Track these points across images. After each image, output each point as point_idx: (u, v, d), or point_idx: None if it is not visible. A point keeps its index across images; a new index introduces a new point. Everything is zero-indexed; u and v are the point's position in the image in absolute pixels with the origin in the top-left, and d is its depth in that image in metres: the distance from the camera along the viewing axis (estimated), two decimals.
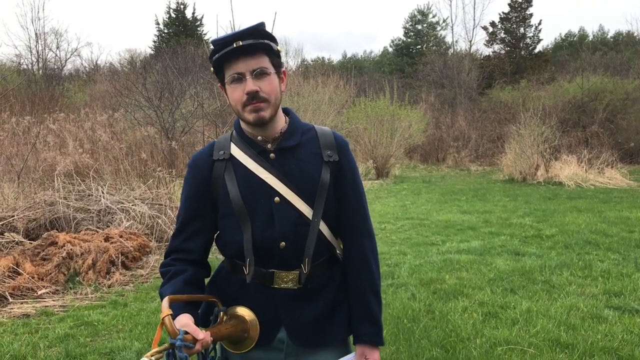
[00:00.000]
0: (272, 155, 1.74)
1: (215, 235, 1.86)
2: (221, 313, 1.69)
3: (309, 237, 1.73)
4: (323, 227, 1.77)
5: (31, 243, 6.32)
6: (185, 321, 1.51)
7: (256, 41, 1.64)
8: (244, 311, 1.71)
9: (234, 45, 1.62)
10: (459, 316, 4.67)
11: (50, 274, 5.62)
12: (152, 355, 1.31)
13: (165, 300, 1.48)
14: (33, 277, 5.47)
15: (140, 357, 3.94)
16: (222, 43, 1.64)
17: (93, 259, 5.86)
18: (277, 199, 1.71)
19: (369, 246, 1.85)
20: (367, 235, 1.86)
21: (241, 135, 1.78)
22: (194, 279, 1.74)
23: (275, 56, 1.71)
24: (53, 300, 5.23)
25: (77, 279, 5.68)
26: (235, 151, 1.77)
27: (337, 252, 1.85)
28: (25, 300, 5.18)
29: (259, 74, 1.65)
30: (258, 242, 1.72)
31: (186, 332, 1.43)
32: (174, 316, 1.47)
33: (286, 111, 1.84)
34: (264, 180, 1.72)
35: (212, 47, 1.68)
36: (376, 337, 1.80)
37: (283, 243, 1.71)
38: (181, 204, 1.83)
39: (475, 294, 5.26)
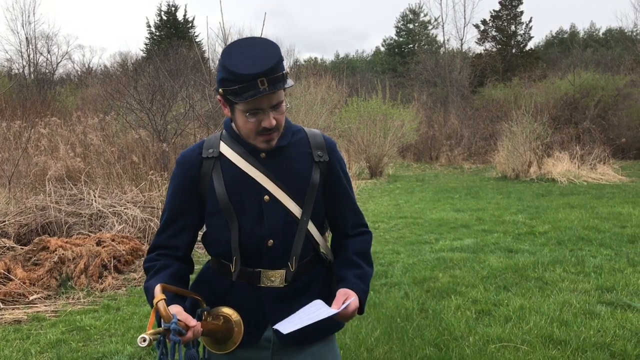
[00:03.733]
0: (262, 154, 1.75)
1: (202, 233, 1.87)
2: (205, 313, 1.69)
3: (297, 235, 1.75)
4: (310, 226, 1.79)
5: (22, 248, 6.28)
6: (177, 309, 1.52)
7: (280, 84, 1.60)
8: (229, 310, 1.71)
9: (260, 87, 1.57)
10: (452, 314, 4.67)
11: (42, 279, 5.59)
12: (150, 335, 1.32)
13: (158, 286, 1.48)
14: (24, 283, 5.44)
15: (132, 359, 3.93)
16: (243, 78, 1.57)
17: (85, 264, 5.83)
18: (266, 197, 1.73)
19: (367, 238, 1.92)
20: (364, 227, 1.93)
21: (232, 134, 1.79)
22: (180, 274, 1.75)
23: (288, 81, 1.67)
24: (45, 306, 5.20)
25: (69, 283, 5.65)
26: (225, 149, 1.78)
27: (321, 250, 1.88)
28: (17, 306, 5.14)
29: (276, 108, 1.66)
30: (246, 239, 1.73)
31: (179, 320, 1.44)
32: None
33: None
34: (253, 179, 1.73)
35: (227, 71, 1.59)
36: (363, 293, 1.77)
37: (271, 241, 1.73)
38: (167, 200, 1.83)
39: (469, 292, 5.26)
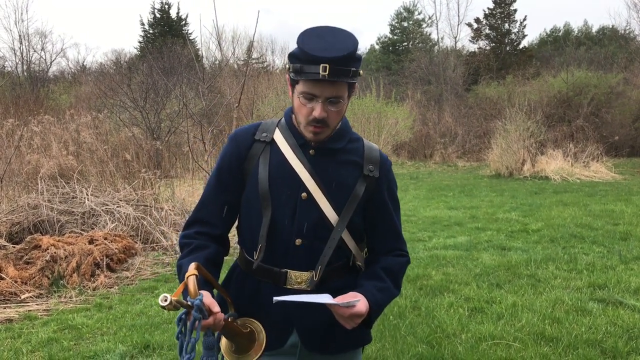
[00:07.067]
0: (312, 151, 1.72)
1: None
2: (230, 318, 1.61)
3: (328, 244, 1.70)
4: (346, 236, 1.74)
5: (14, 247, 6.24)
6: (205, 293, 1.47)
7: (341, 79, 1.57)
8: (258, 326, 1.65)
9: (320, 72, 1.53)
10: (444, 312, 4.68)
11: (34, 277, 5.56)
12: (173, 299, 1.28)
13: (194, 264, 1.44)
14: (16, 282, 5.41)
15: (124, 358, 3.92)
16: (307, 59, 1.56)
17: (77, 262, 5.80)
18: (304, 194, 1.69)
19: (402, 260, 1.84)
20: (402, 251, 1.85)
21: (289, 124, 1.76)
22: (215, 257, 1.71)
23: (355, 80, 1.64)
24: (37, 305, 5.17)
25: (61, 282, 5.62)
26: (278, 137, 1.75)
27: (357, 262, 1.81)
28: (8, 304, 5.11)
29: (332, 102, 1.62)
30: (275, 232, 1.69)
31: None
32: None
33: None
34: (296, 173, 1.69)
35: (297, 48, 1.60)
36: (376, 305, 1.68)
37: (299, 240, 1.69)
38: (212, 175, 1.81)
39: (461, 290, 5.27)
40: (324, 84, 1.58)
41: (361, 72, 1.65)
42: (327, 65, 1.53)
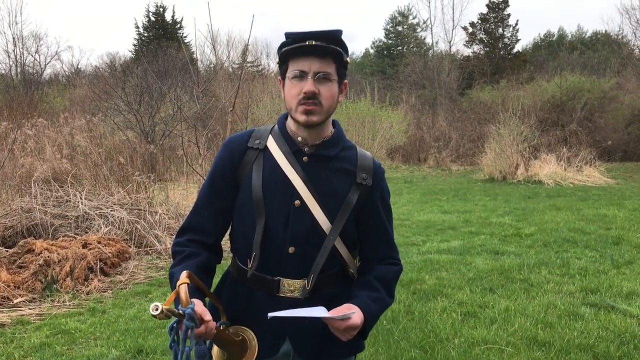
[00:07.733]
0: (305, 158, 1.72)
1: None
2: (222, 326, 1.61)
3: (321, 252, 1.70)
4: (339, 244, 1.74)
5: (7, 251, 6.22)
6: (196, 301, 1.47)
7: (328, 45, 1.62)
8: (250, 334, 1.65)
9: (306, 43, 1.61)
10: (438, 316, 4.69)
11: (27, 282, 5.54)
12: (164, 308, 1.28)
13: (185, 272, 1.45)
14: (9, 286, 5.38)
15: None
16: (294, 38, 1.63)
17: (71, 266, 5.78)
18: (297, 202, 1.69)
19: (395, 269, 1.85)
20: (394, 259, 1.86)
21: (282, 130, 1.77)
22: (207, 265, 1.72)
23: (342, 66, 1.70)
24: (29, 309, 5.15)
25: (55, 286, 5.60)
26: (271, 144, 1.75)
27: (350, 270, 1.82)
28: (1, 309, 5.09)
29: (322, 78, 1.64)
30: (268, 240, 1.69)
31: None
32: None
33: (333, 123, 1.82)
34: (289, 180, 1.69)
35: (284, 38, 1.67)
36: (370, 316, 1.69)
37: (292, 248, 1.68)
38: (205, 182, 1.82)
39: (455, 294, 5.29)
40: (312, 59, 1.63)
41: (348, 60, 1.71)
42: (313, 41, 1.61)
